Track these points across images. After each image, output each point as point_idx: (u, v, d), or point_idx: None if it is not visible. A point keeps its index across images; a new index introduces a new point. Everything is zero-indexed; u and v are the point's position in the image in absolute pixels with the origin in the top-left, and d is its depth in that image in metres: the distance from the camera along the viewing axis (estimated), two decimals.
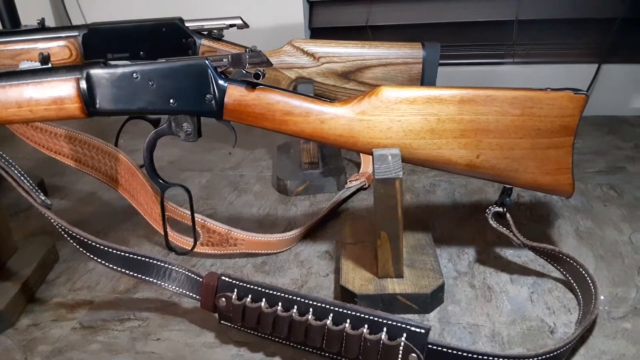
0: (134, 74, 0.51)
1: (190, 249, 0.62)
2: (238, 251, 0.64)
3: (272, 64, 0.53)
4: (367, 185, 0.78)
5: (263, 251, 0.65)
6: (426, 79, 0.77)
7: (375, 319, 0.46)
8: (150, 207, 0.67)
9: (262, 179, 0.85)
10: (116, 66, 0.51)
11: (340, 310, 0.47)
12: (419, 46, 0.76)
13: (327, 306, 0.48)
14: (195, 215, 0.62)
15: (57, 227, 0.54)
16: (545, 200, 0.72)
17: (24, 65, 0.52)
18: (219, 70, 0.52)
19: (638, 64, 1.01)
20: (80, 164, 0.72)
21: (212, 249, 0.65)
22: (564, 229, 0.66)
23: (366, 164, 0.81)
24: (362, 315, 0.46)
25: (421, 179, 0.81)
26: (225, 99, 0.52)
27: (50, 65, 0.52)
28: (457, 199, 0.75)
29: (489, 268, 0.60)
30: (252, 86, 0.52)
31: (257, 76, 0.51)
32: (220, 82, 0.52)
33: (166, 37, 0.75)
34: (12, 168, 0.53)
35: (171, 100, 0.52)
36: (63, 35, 0.73)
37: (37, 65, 0.52)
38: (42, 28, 0.74)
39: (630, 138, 0.88)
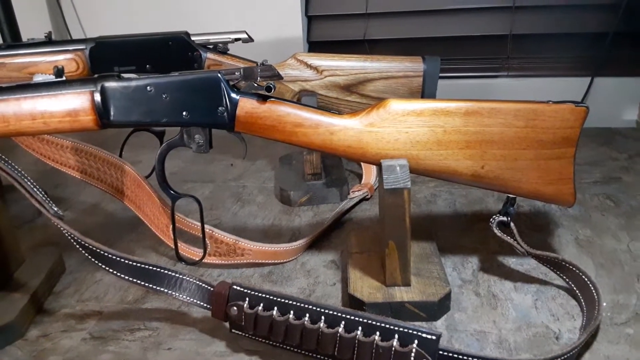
0: (148, 87, 0.52)
1: (199, 259, 0.63)
2: (245, 261, 0.65)
3: (282, 77, 0.54)
4: (369, 196, 0.79)
5: (270, 261, 0.66)
6: (427, 92, 0.79)
7: (387, 326, 0.47)
8: (157, 217, 0.68)
9: (265, 190, 0.86)
10: (130, 79, 0.52)
11: (352, 317, 0.48)
12: (419, 60, 0.78)
13: (339, 314, 0.48)
14: (205, 225, 0.63)
15: (69, 237, 0.55)
16: (544, 209, 0.74)
17: (38, 78, 0.53)
18: (231, 83, 0.53)
19: (629, 77, 1.04)
20: (86, 175, 0.72)
21: (219, 259, 0.65)
22: (564, 238, 0.67)
23: (368, 175, 0.82)
24: (374, 323, 0.47)
25: (422, 189, 0.82)
26: (237, 112, 0.53)
27: (64, 78, 0.53)
28: (458, 209, 0.76)
29: (493, 276, 0.61)
30: (264, 99, 0.53)
31: (268, 89, 0.52)
32: (233, 95, 0.53)
33: (172, 51, 0.76)
34: (25, 180, 0.54)
35: (184, 113, 0.53)
36: (70, 48, 0.74)
37: (51, 78, 0.53)
38: (49, 41, 0.75)
39: (624, 149, 0.90)
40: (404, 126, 0.54)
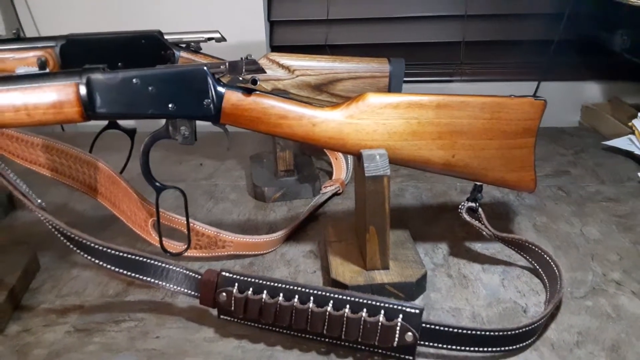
0: (134, 79, 0.53)
1: (181, 251, 0.63)
2: (226, 253, 0.66)
3: (265, 72, 0.56)
4: (341, 191, 0.82)
5: (251, 252, 0.67)
6: (393, 92, 0.83)
7: (373, 302, 0.50)
8: (135, 213, 0.68)
9: (237, 187, 0.87)
10: (116, 71, 0.53)
11: (340, 296, 0.51)
12: (385, 61, 0.83)
13: (327, 294, 0.51)
14: (184, 218, 0.64)
15: (54, 229, 0.54)
16: (503, 200, 0.79)
17: (21, 71, 0.53)
18: (216, 76, 0.55)
19: (572, 81, 1.13)
20: (57, 173, 0.71)
21: (200, 252, 0.66)
22: (523, 224, 0.73)
23: (338, 171, 0.85)
24: (361, 300, 0.50)
25: (390, 184, 0.86)
26: (223, 104, 0.55)
27: (48, 71, 0.53)
28: (424, 201, 0.81)
29: (462, 260, 0.66)
30: (248, 92, 0.55)
31: (254, 82, 0.54)
32: (219, 88, 0.55)
33: (145, 49, 0.77)
34: (9, 172, 0.53)
35: (170, 105, 0.54)
36: (40, 45, 0.73)
37: (34, 70, 0.53)
38: (17, 38, 0.74)
39: (570, 146, 0.98)
40: (382, 118, 0.57)
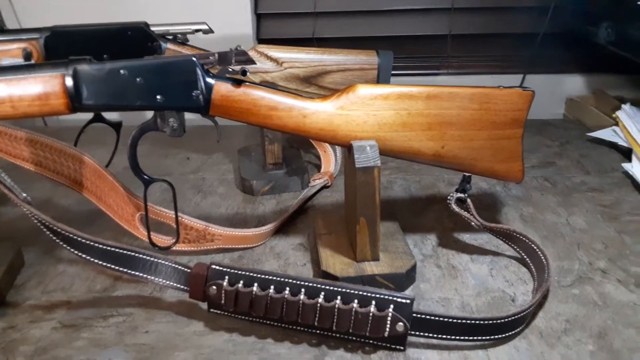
0: (122, 70, 0.52)
1: (169, 245, 0.63)
2: (215, 247, 0.66)
3: (255, 63, 0.56)
4: (329, 184, 0.82)
5: (240, 246, 0.67)
6: (381, 84, 0.83)
7: (364, 293, 0.50)
8: (122, 207, 0.67)
9: (225, 181, 0.87)
10: (104, 62, 0.53)
11: (331, 288, 0.51)
12: (373, 53, 0.82)
13: (319, 285, 0.51)
14: (173, 212, 0.63)
15: (40, 223, 0.54)
16: (490, 191, 0.80)
17: (5, 62, 0.52)
18: (205, 67, 0.54)
19: (557, 74, 1.14)
20: (41, 167, 0.70)
21: (188, 246, 0.66)
22: (510, 214, 0.74)
23: (327, 164, 0.85)
24: (352, 291, 0.50)
25: None
26: (212, 95, 0.54)
27: (33, 62, 0.52)
28: (413, 193, 0.81)
29: (451, 250, 0.66)
30: (238, 83, 0.55)
31: (244, 73, 0.54)
32: (208, 79, 0.54)
33: (131, 41, 0.75)
34: None
35: (158, 97, 0.53)
36: (24, 37, 0.72)
37: (19, 61, 0.52)
38: (0, 30, 0.72)
39: (556, 137, 0.99)
40: (372, 109, 0.57)
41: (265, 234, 0.69)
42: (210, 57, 0.54)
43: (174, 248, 0.65)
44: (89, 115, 0.70)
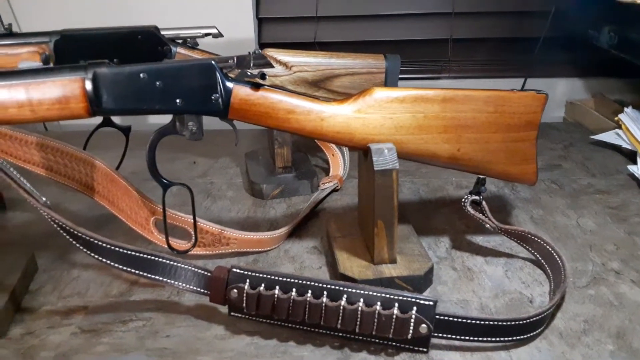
0: (141, 74, 0.52)
1: (186, 249, 0.63)
2: (230, 250, 0.66)
3: (273, 66, 0.56)
4: (339, 187, 0.82)
5: (254, 249, 0.67)
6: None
7: (387, 295, 0.50)
8: (135, 212, 0.67)
9: (234, 185, 0.87)
10: (123, 66, 0.52)
11: (354, 290, 0.51)
12: (381, 57, 0.83)
13: (341, 288, 0.51)
14: (188, 216, 0.63)
15: (60, 227, 0.53)
16: (498, 193, 0.81)
17: (23, 65, 0.52)
18: (224, 71, 0.54)
19: (557, 77, 1.16)
20: (52, 172, 0.70)
21: (203, 250, 0.66)
22: (521, 217, 0.74)
23: (336, 168, 0.86)
24: (374, 294, 0.50)
25: None
26: (231, 99, 0.54)
27: (52, 65, 0.52)
28: (422, 196, 0.81)
29: (465, 253, 0.67)
30: (256, 86, 0.55)
31: (262, 77, 0.54)
32: (227, 82, 0.54)
33: (141, 45, 0.76)
34: (12, 169, 0.52)
35: (178, 100, 0.53)
36: (33, 41, 0.72)
37: (38, 65, 0.52)
38: (9, 34, 0.72)
39: (559, 140, 1.00)
40: (389, 112, 0.57)
41: (279, 238, 0.69)
42: (229, 61, 0.54)
43: (190, 253, 0.65)
44: (95, 120, 0.70)
